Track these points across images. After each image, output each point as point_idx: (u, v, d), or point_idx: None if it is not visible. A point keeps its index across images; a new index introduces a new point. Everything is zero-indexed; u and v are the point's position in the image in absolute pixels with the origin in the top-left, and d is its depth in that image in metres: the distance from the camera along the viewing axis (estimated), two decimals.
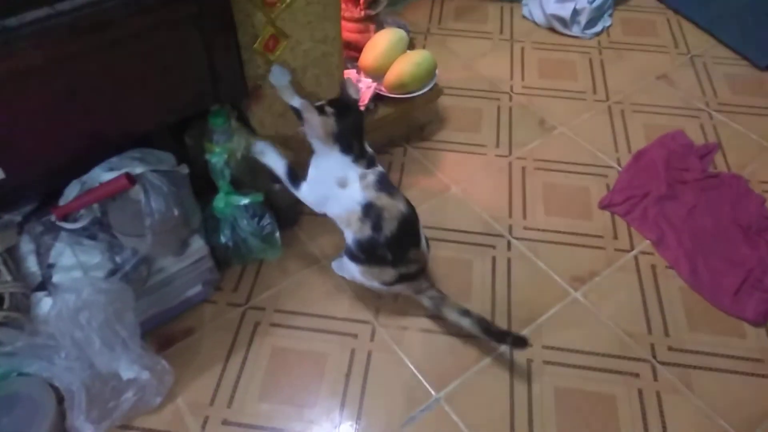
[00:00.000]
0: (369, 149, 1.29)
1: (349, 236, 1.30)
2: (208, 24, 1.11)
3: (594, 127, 1.90)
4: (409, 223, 1.28)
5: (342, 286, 1.47)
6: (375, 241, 1.25)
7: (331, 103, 1.25)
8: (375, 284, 1.34)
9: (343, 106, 1.24)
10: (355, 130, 1.25)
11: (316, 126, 1.21)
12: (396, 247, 1.26)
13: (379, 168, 1.28)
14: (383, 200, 1.24)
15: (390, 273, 1.30)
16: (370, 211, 1.24)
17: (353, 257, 1.32)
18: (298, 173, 1.31)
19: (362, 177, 1.25)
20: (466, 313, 1.32)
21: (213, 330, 1.39)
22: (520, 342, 1.29)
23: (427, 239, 1.36)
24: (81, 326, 1.13)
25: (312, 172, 1.29)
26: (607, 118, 1.93)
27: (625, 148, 1.83)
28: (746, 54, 2.14)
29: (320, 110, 1.22)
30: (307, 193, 1.30)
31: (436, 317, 1.39)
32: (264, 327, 1.40)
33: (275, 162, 1.32)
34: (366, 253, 1.29)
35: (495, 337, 1.31)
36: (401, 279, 1.31)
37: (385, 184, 1.26)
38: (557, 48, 2.20)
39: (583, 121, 1.92)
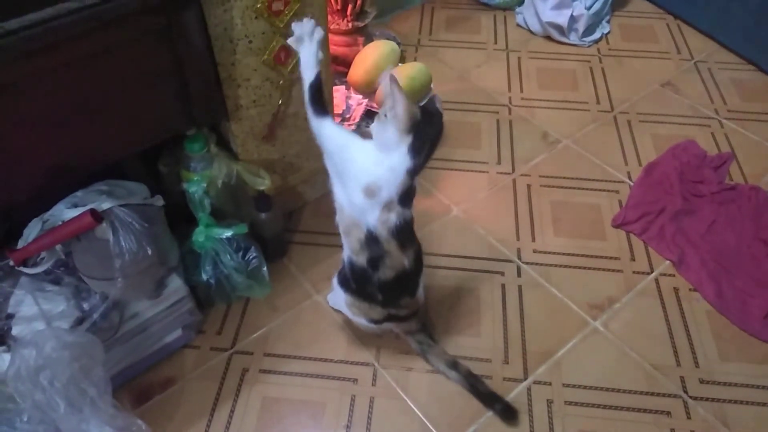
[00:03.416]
0: (415, 183, 1.08)
1: (346, 250, 1.15)
2: (179, 38, 0.99)
3: (600, 140, 1.79)
4: (408, 278, 1.14)
5: (338, 323, 1.35)
6: (368, 275, 1.12)
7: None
8: (362, 321, 1.23)
9: (427, 113, 1.04)
10: (431, 142, 1.04)
11: (400, 106, 0.98)
12: (387, 292, 1.14)
13: (410, 211, 1.08)
14: (391, 246, 1.08)
15: (378, 311, 1.19)
16: (372, 244, 1.08)
17: (344, 282, 1.19)
18: (325, 102, 1.07)
19: (386, 208, 1.04)
20: (453, 365, 1.23)
21: (196, 379, 1.27)
22: (509, 413, 1.19)
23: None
24: (42, 387, 1.01)
25: (359, 144, 1.05)
26: (613, 129, 1.83)
27: (635, 160, 1.72)
28: (752, 58, 2.05)
29: None
30: (327, 135, 1.06)
31: None
32: (253, 374, 1.27)
33: (308, 65, 1.04)
34: (357, 282, 1.16)
35: (482, 399, 1.21)
36: (390, 318, 1.21)
37: (402, 234, 1.08)
38: (555, 57, 2.10)
39: (588, 134, 1.81)
